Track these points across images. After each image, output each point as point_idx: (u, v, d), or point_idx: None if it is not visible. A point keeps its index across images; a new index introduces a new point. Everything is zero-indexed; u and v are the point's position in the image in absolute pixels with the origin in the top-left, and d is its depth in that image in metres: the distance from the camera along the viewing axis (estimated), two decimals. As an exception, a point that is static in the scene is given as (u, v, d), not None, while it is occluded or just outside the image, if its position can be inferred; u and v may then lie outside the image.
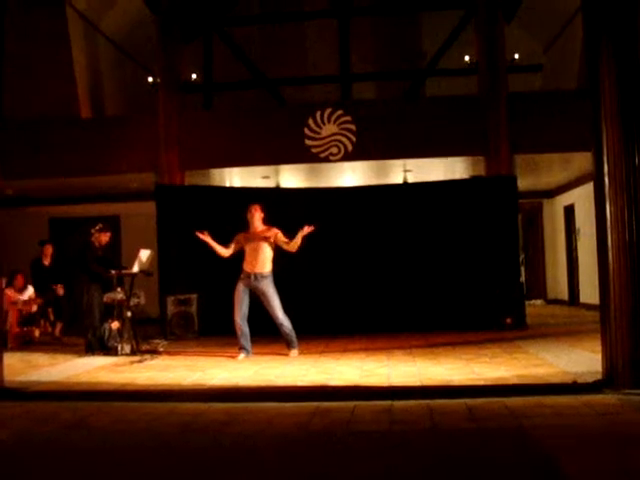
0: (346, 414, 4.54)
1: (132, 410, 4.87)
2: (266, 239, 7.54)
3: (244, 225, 7.72)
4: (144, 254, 8.22)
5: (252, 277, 7.49)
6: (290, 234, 7.70)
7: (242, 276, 7.56)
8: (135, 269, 8.11)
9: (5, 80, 5.87)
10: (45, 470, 3.54)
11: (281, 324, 7.56)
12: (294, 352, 7.63)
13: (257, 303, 7.59)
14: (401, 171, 12.06)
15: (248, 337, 7.57)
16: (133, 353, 7.80)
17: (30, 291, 9.69)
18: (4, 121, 9.69)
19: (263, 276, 7.49)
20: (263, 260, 7.51)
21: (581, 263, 13.54)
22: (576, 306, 13.60)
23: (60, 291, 9.97)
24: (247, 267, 7.55)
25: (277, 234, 7.58)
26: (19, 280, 9.61)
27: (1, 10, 5.72)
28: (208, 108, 12.34)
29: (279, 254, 7.68)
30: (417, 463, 3.50)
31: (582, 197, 12.95)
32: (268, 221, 7.78)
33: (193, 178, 11.40)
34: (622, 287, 4.98)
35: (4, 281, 9.53)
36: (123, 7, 12.66)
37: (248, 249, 7.59)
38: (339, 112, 10.78)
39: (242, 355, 7.50)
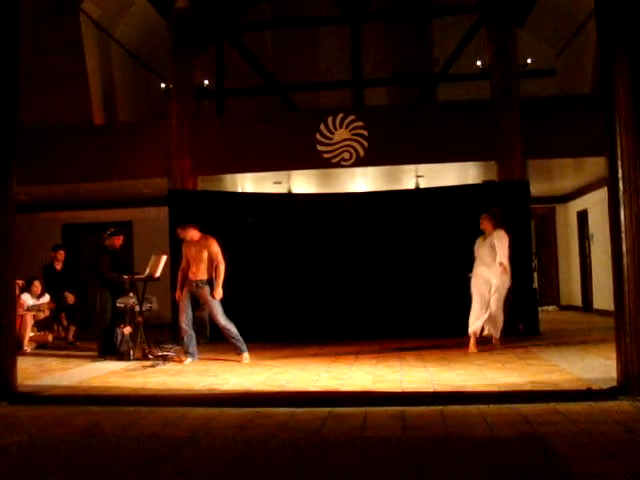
0: (358, 420, 4.52)
1: (144, 415, 4.88)
2: (203, 248, 7.68)
3: (257, 229, 7.77)
4: (159, 260, 8.28)
5: (194, 284, 7.65)
6: (301, 239, 7.68)
7: (186, 283, 7.74)
8: (157, 274, 8.17)
9: (20, 88, 5.92)
10: (58, 474, 3.55)
11: (224, 328, 7.62)
12: (245, 357, 7.64)
13: (263, 310, 7.60)
14: (413, 176, 12.04)
15: (194, 341, 7.74)
16: (145, 358, 7.82)
17: (47, 298, 9.75)
18: (19, 128, 9.74)
19: (204, 283, 7.63)
20: (203, 268, 7.66)
21: (594, 269, 13.44)
22: (590, 312, 13.50)
23: (70, 299, 9.93)
24: (190, 275, 7.72)
25: (211, 246, 7.68)
26: (37, 286, 9.67)
27: (16, 19, 5.77)
28: (220, 114, 12.40)
29: (291, 260, 7.67)
30: (431, 470, 3.47)
31: (595, 202, 12.87)
32: (281, 226, 7.78)
33: (205, 183, 11.44)
34: (637, 293, 4.93)
35: (20, 286, 9.61)
36: (136, 15, 12.76)
37: (190, 258, 7.79)
38: (351, 117, 10.78)
39: (189, 360, 7.64)
